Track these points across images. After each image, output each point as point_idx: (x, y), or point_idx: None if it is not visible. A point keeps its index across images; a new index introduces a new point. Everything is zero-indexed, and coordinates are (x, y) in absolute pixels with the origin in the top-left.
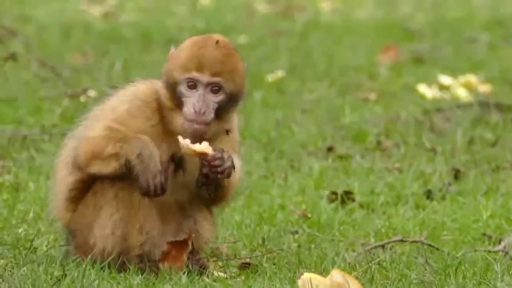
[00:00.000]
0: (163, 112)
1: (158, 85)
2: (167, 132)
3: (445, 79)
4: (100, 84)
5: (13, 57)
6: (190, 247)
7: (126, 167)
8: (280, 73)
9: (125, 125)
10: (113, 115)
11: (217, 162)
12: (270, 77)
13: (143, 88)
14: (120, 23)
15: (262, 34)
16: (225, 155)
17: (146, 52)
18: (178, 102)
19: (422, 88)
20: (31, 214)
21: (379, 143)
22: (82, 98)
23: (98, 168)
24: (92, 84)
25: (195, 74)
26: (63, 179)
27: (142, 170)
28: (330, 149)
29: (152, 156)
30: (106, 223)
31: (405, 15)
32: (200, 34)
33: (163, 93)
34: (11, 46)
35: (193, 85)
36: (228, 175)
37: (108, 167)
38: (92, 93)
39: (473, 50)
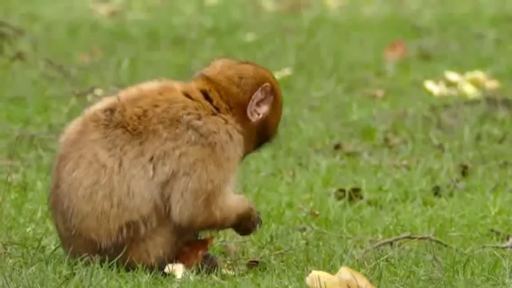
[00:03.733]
0: None
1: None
2: None
3: (452, 76)
4: (108, 82)
5: (20, 56)
6: (208, 247)
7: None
8: (287, 71)
9: (235, 171)
10: (227, 165)
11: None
12: (278, 75)
13: (231, 128)
14: (127, 21)
15: (269, 31)
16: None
17: (153, 50)
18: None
19: (429, 85)
20: (39, 214)
21: (386, 140)
22: (89, 97)
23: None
24: (99, 82)
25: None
26: (130, 207)
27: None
28: (337, 147)
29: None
30: (166, 241)
31: (412, 11)
32: (207, 33)
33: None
34: (18, 45)
35: None
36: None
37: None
38: (99, 92)
39: (481, 46)
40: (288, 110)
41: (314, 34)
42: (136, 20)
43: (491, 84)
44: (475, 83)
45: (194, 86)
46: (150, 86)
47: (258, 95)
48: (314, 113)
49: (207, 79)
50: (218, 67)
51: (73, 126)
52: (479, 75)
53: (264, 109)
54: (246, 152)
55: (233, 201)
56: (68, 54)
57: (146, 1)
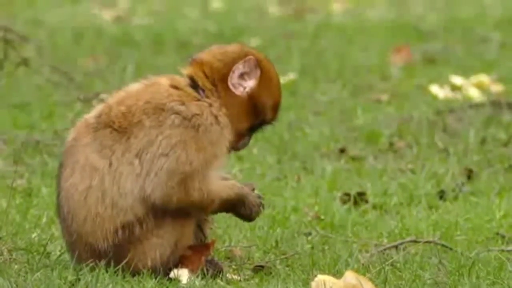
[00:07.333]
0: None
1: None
2: None
3: (457, 79)
4: (113, 88)
5: (25, 62)
6: (211, 252)
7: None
8: (292, 75)
9: (220, 155)
10: (211, 149)
11: None
12: (283, 79)
13: (216, 110)
14: (131, 26)
15: (274, 36)
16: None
17: (158, 55)
18: (242, 124)
19: (434, 89)
20: (44, 219)
21: (391, 144)
22: (95, 103)
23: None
24: (104, 88)
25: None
26: (124, 208)
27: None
28: (342, 151)
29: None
30: (163, 242)
31: (417, 15)
32: (212, 37)
33: (225, 112)
34: (23, 51)
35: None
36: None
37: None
38: (104, 97)
39: (485, 50)
40: (293, 114)
41: (318, 39)
42: (140, 25)
43: (496, 88)
44: (480, 86)
45: (182, 75)
46: (136, 85)
47: (239, 66)
48: (319, 117)
49: (197, 61)
50: (209, 49)
51: (70, 135)
52: (484, 78)
53: (250, 83)
54: (239, 131)
55: (216, 185)
56: (73, 60)
57: (150, 6)
